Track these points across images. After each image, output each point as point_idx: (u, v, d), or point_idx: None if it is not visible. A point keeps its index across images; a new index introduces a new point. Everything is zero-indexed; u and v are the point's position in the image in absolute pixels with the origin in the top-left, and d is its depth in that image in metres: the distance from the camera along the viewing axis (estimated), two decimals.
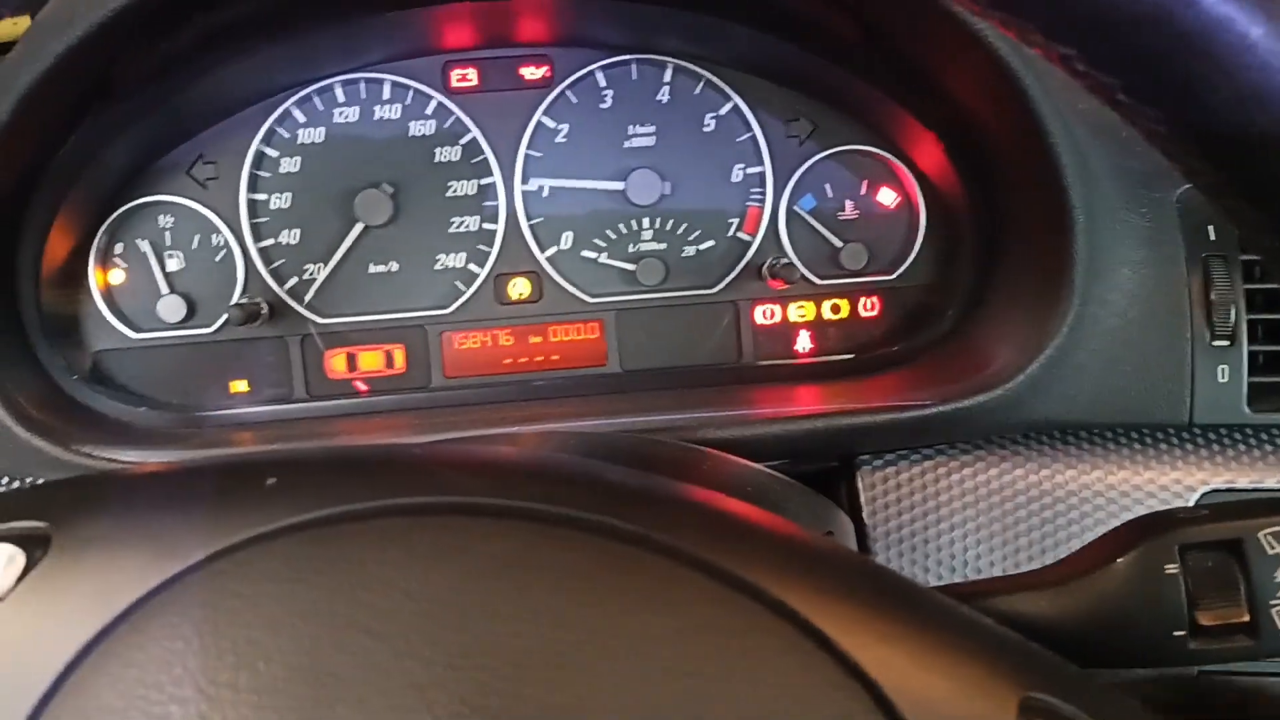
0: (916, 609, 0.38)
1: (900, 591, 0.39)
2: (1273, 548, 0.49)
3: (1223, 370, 0.80)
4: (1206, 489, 0.79)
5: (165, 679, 0.34)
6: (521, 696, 0.34)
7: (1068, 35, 0.35)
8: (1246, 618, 0.49)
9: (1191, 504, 0.79)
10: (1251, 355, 0.80)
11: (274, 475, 0.39)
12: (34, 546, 0.37)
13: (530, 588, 0.36)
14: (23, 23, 0.84)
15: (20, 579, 0.36)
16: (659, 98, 0.93)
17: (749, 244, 0.94)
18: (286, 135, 0.91)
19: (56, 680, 0.34)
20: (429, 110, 0.92)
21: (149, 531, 0.37)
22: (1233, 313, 0.79)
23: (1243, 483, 0.79)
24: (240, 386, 0.93)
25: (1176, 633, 0.49)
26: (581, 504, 0.39)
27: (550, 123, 0.92)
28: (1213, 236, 0.80)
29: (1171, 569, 0.50)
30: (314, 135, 0.91)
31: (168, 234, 0.91)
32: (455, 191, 0.93)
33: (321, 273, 0.92)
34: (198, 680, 0.34)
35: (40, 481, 0.79)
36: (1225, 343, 0.80)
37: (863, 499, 0.80)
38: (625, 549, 0.38)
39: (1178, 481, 0.80)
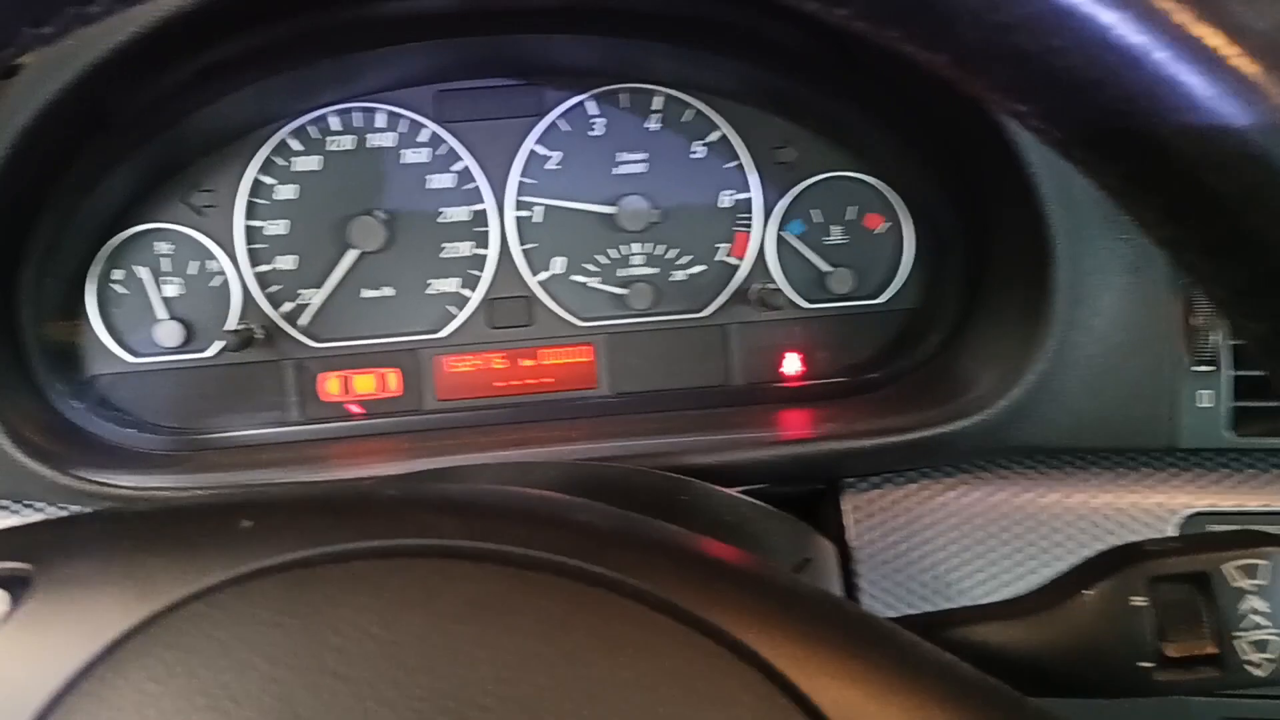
0: (875, 646, 0.39)
1: (860, 628, 0.40)
2: (1237, 580, 0.50)
3: (1206, 395, 0.80)
4: (1190, 512, 0.80)
5: None
6: None
7: (1019, 96, 0.36)
8: (1212, 650, 0.50)
9: (1174, 527, 0.80)
10: (1235, 380, 0.81)
11: (250, 517, 0.40)
12: (17, 587, 0.38)
13: (498, 632, 0.37)
14: None
15: (4, 620, 0.37)
16: (648, 125, 0.94)
17: (737, 269, 0.95)
18: (283, 163, 0.93)
19: None
20: (422, 139, 0.93)
21: (127, 572, 0.38)
22: (1215, 338, 0.80)
23: (1225, 507, 0.80)
24: (236, 410, 0.94)
25: (1143, 664, 0.50)
26: (551, 546, 0.40)
27: (542, 150, 0.94)
28: None
29: (1138, 601, 0.50)
30: (310, 163, 0.93)
31: (165, 261, 0.92)
32: (448, 218, 0.94)
33: (316, 298, 0.93)
34: None
35: (23, 522, 0.80)
36: (1208, 368, 0.80)
37: (847, 522, 0.81)
38: (593, 592, 0.39)
39: (1161, 506, 0.80)
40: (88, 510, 0.75)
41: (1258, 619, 0.50)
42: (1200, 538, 0.53)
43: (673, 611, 0.38)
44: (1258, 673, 0.50)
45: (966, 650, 0.53)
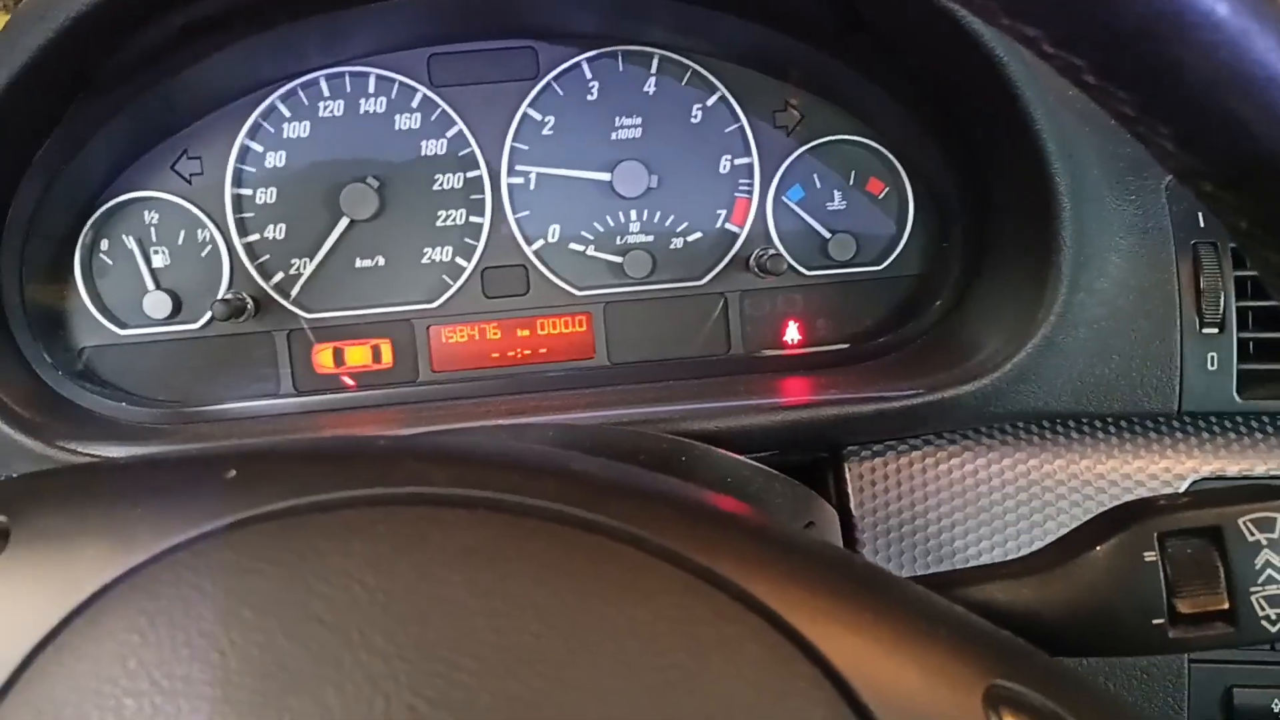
0: (882, 596, 0.38)
1: (866, 578, 0.39)
2: (1252, 534, 0.49)
3: (1212, 358, 0.79)
4: (1196, 477, 0.79)
5: (119, 672, 0.33)
6: (480, 689, 0.33)
7: (1031, 16, 0.35)
8: (1226, 605, 0.48)
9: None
10: (1241, 343, 0.79)
11: (234, 467, 0.38)
12: None
13: (492, 580, 0.36)
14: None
15: None
16: (645, 89, 0.92)
17: (737, 235, 0.93)
18: (272, 130, 0.91)
19: (12, 675, 0.34)
20: (414, 103, 0.91)
21: (107, 524, 0.37)
22: (1222, 300, 0.78)
23: (1232, 471, 0.79)
24: (227, 382, 0.92)
25: (1155, 621, 0.49)
26: (546, 494, 0.38)
27: (536, 115, 0.92)
28: (1202, 223, 0.80)
29: (1150, 556, 0.49)
30: (299, 130, 0.91)
31: (153, 230, 0.91)
32: (441, 185, 0.92)
33: (308, 267, 0.92)
34: (152, 674, 0.33)
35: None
36: (1214, 330, 0.79)
37: (850, 489, 0.80)
38: (591, 539, 0.37)
39: (1167, 470, 0.79)
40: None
41: (1272, 573, 0.49)
42: (1212, 492, 0.52)
43: (674, 559, 0.36)
44: (1273, 628, 0.48)
45: (975, 610, 0.51)
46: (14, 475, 0.72)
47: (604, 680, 0.34)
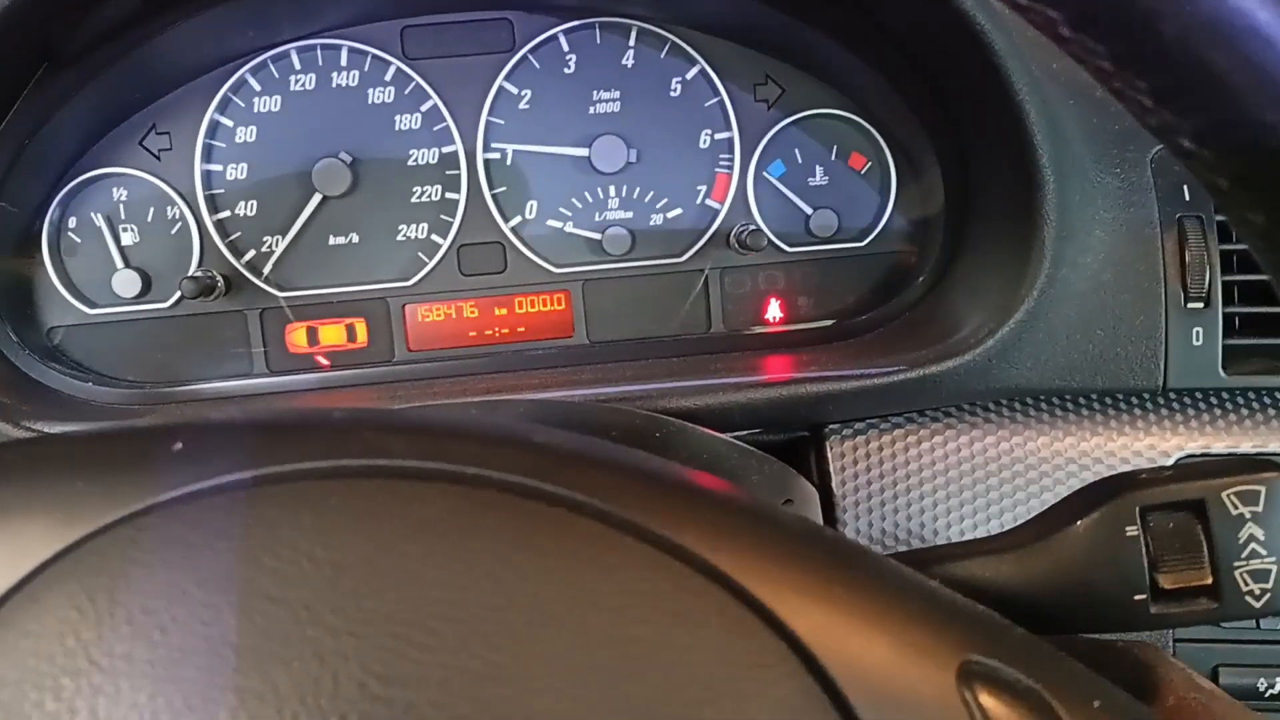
0: (851, 568, 0.37)
1: (835, 551, 0.38)
2: (1236, 508, 0.48)
3: (1197, 333, 0.78)
4: (1181, 454, 0.78)
5: (58, 650, 0.32)
6: (435, 664, 0.32)
7: None
8: (1209, 580, 0.47)
9: None
10: (1227, 317, 0.79)
11: (181, 439, 0.37)
12: None
13: (449, 553, 0.34)
14: None
15: None
16: (624, 62, 0.90)
17: (717, 212, 0.92)
18: (242, 104, 0.89)
19: None
20: (388, 77, 0.90)
21: (48, 498, 0.35)
22: (1207, 274, 0.77)
23: (1218, 448, 0.78)
24: (199, 362, 0.91)
25: (1138, 596, 0.48)
26: (506, 466, 0.37)
27: (512, 89, 0.90)
28: (1188, 197, 0.79)
29: (1132, 531, 0.48)
30: (270, 104, 0.89)
31: (122, 207, 0.89)
32: (416, 160, 0.90)
33: (280, 245, 0.90)
34: (91, 652, 0.32)
35: None
36: (1200, 305, 0.78)
37: (831, 468, 0.79)
38: (552, 511, 0.36)
39: (1152, 447, 0.78)
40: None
41: (1256, 547, 0.48)
42: (1195, 466, 0.51)
43: (636, 531, 0.35)
44: (1257, 603, 0.48)
45: (955, 586, 0.50)
46: None
47: (563, 655, 0.33)
